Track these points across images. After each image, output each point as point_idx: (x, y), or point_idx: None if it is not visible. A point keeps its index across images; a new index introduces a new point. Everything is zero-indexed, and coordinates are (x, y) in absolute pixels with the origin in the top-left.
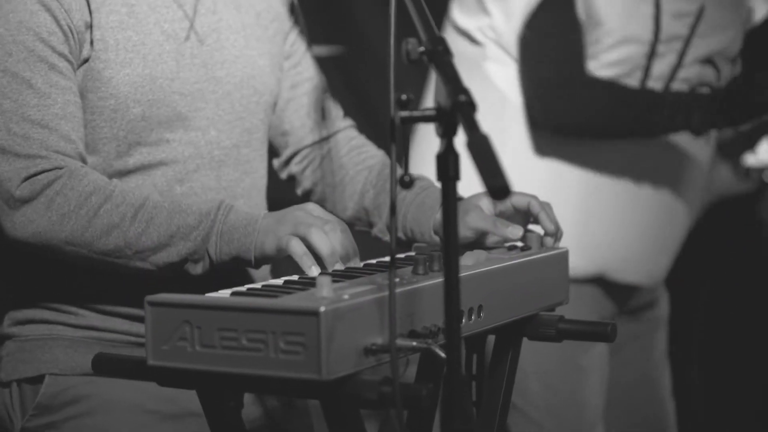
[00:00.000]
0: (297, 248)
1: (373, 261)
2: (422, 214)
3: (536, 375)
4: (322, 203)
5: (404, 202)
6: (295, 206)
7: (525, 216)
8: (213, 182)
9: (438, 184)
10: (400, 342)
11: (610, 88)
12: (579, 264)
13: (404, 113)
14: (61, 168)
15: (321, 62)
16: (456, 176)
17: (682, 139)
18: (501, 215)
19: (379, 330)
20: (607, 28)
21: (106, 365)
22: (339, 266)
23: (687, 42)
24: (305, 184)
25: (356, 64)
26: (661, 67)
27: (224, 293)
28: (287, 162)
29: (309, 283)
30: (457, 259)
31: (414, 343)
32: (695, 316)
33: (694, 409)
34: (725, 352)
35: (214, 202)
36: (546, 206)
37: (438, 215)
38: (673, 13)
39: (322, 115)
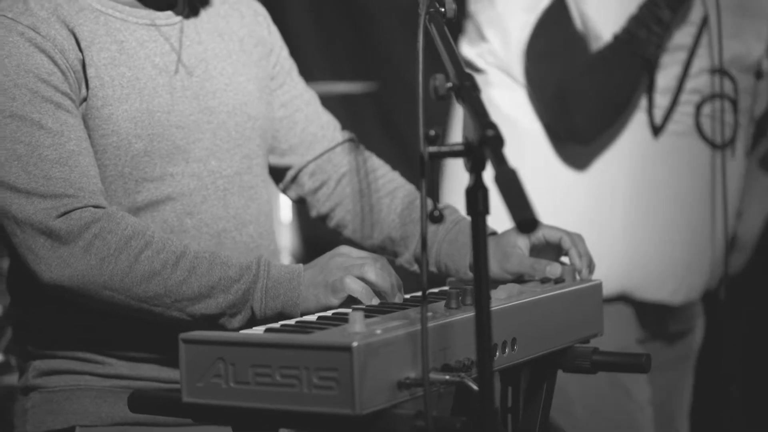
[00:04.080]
0: (356, 285)
1: (407, 296)
2: (457, 251)
3: (581, 400)
4: (341, 229)
5: (436, 237)
6: (331, 253)
7: (557, 249)
8: (221, 211)
9: (467, 216)
10: (434, 376)
11: (592, 58)
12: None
13: (433, 149)
14: (96, 207)
15: (355, 98)
16: (486, 210)
17: (708, 161)
18: (534, 248)
19: (412, 364)
20: (605, 42)
21: (141, 403)
22: (399, 299)
23: (692, 52)
24: (321, 208)
25: (390, 100)
26: (666, 78)
27: (258, 330)
28: (293, 180)
29: (342, 318)
30: (488, 293)
31: (447, 377)
32: (738, 333)
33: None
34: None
35: (252, 256)
36: (577, 240)
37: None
38: (675, 24)
39: (319, 128)
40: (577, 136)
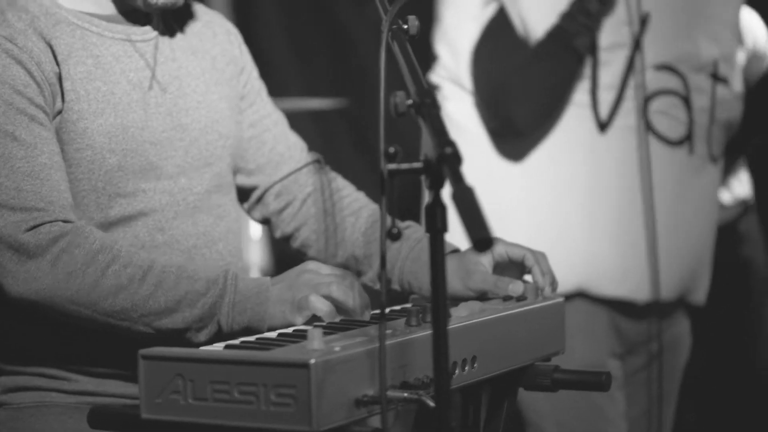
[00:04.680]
0: (320, 305)
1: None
2: (420, 269)
3: (552, 416)
4: (305, 249)
5: (399, 255)
6: (298, 268)
7: (521, 266)
8: (191, 228)
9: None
10: (391, 393)
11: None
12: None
13: (392, 166)
14: (65, 222)
15: (329, 114)
16: (444, 228)
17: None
18: (497, 266)
19: (371, 381)
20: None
21: (101, 419)
22: (366, 317)
23: (634, 49)
24: (285, 228)
25: (363, 116)
26: (609, 75)
27: (218, 346)
28: (259, 200)
29: (302, 335)
30: (445, 311)
31: (405, 395)
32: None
33: None
34: (718, 388)
35: (219, 269)
36: (540, 258)
37: None
38: (613, 23)
39: (287, 149)
40: (514, 129)
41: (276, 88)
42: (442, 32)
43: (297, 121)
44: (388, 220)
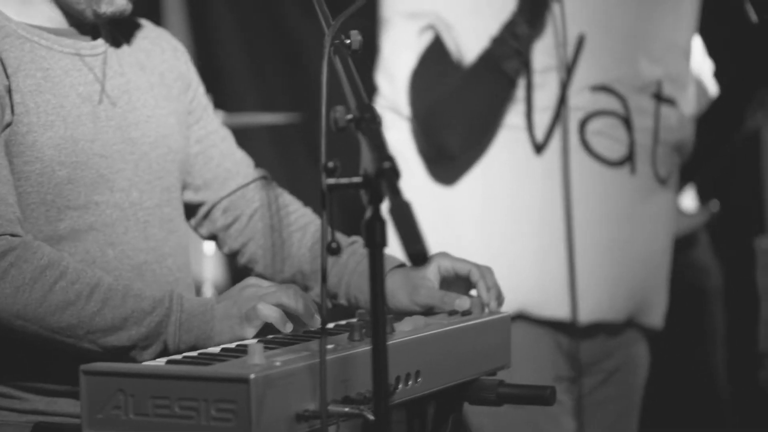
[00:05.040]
0: (269, 311)
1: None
2: (366, 283)
3: None
4: (252, 265)
5: (346, 269)
6: (241, 284)
7: (467, 281)
8: (142, 243)
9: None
10: (332, 408)
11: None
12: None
13: (331, 180)
14: (12, 236)
15: (285, 129)
16: (383, 243)
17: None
18: (444, 281)
19: (312, 396)
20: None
21: None
22: (316, 322)
23: (569, 71)
24: (233, 244)
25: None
26: (544, 97)
27: (159, 361)
28: (206, 216)
29: (244, 350)
30: (384, 326)
31: (346, 409)
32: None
33: None
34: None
35: (165, 290)
36: (486, 273)
37: (387, 283)
38: (546, 45)
39: (234, 165)
40: (446, 152)
41: (232, 103)
42: (381, 62)
43: (253, 136)
44: (329, 234)
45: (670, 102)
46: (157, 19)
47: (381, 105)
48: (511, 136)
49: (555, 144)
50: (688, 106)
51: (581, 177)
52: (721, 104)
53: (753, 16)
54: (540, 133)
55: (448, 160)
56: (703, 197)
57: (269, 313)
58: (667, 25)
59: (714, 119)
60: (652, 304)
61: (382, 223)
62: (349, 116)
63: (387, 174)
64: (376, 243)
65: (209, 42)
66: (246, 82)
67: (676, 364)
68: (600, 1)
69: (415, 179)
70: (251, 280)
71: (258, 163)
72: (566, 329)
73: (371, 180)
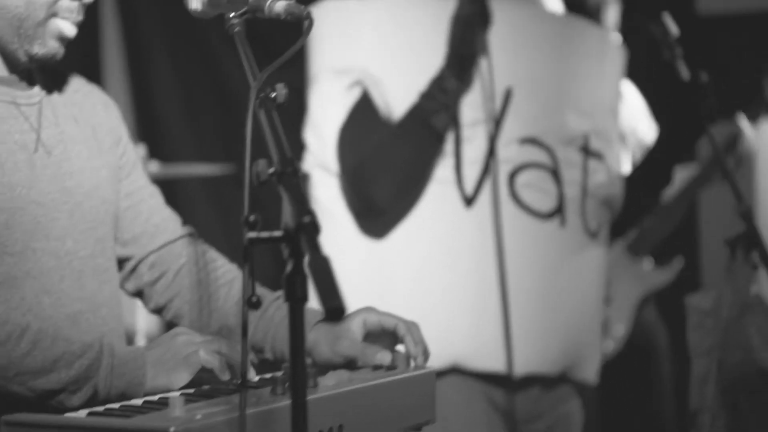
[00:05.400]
0: (211, 357)
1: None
2: None
3: None
4: (178, 320)
5: (272, 322)
6: (171, 333)
7: (393, 335)
8: (77, 292)
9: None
10: None
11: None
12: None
13: (252, 234)
14: None
15: (221, 180)
16: (303, 297)
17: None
18: (370, 334)
19: None
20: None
21: None
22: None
23: (497, 124)
24: (159, 300)
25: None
26: (472, 150)
27: (81, 413)
28: (132, 271)
29: (166, 403)
30: (304, 380)
31: None
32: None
33: None
34: None
35: (94, 335)
36: (413, 327)
37: (311, 335)
38: (473, 99)
39: (162, 220)
40: (376, 207)
41: (169, 153)
42: (309, 120)
43: (189, 186)
44: (250, 288)
45: (598, 156)
46: (96, 69)
47: (309, 161)
48: (440, 189)
49: (485, 197)
50: (616, 161)
51: (512, 229)
52: (650, 161)
53: (684, 73)
54: (469, 186)
55: (378, 215)
56: (659, 256)
57: (211, 359)
58: (593, 80)
59: (644, 175)
60: (586, 357)
61: (302, 278)
62: (271, 170)
63: (307, 228)
64: (296, 297)
65: (147, 92)
66: (182, 132)
67: (623, 422)
68: (527, 56)
69: (345, 234)
70: (180, 329)
71: (193, 213)
72: (501, 382)
73: (291, 234)
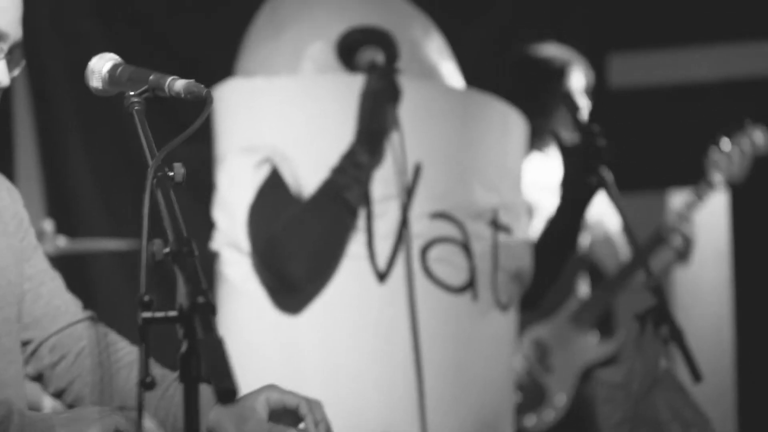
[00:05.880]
0: (127, 423)
1: None
2: None
3: None
4: (78, 403)
5: (173, 401)
6: (77, 408)
7: (296, 415)
8: None
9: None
10: None
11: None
12: None
13: (147, 314)
14: None
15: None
16: (198, 377)
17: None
18: (273, 413)
19: None
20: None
21: None
22: None
23: (407, 199)
24: (59, 383)
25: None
26: (384, 225)
27: None
28: (33, 354)
29: None
30: None
31: None
32: None
33: None
34: None
35: (2, 400)
36: (315, 407)
37: (213, 414)
38: (384, 174)
39: (63, 303)
40: (289, 283)
41: (79, 229)
42: (218, 198)
43: (99, 261)
44: (145, 368)
45: (506, 230)
46: (8, 144)
47: (219, 240)
48: (353, 265)
49: (398, 272)
50: (524, 234)
51: (425, 304)
52: (553, 227)
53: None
54: (382, 262)
55: (292, 291)
56: (604, 329)
57: (126, 423)
58: (497, 153)
59: (548, 243)
60: (501, 430)
61: (197, 358)
62: (167, 249)
63: (201, 309)
64: (190, 377)
65: (57, 167)
66: (92, 207)
67: None
68: (437, 130)
69: (256, 312)
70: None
71: (104, 288)
72: None
73: (186, 315)
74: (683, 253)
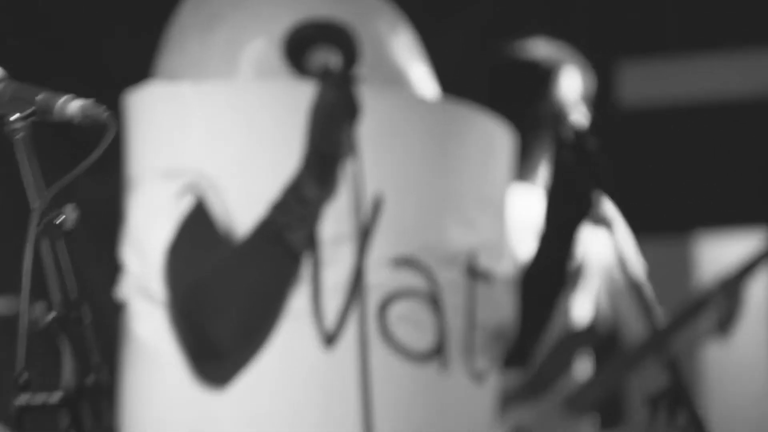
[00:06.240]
0: None
1: None
2: None
3: None
4: None
5: None
6: None
7: None
8: None
9: None
10: None
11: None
12: None
13: (23, 398)
14: None
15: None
16: None
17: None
18: None
19: None
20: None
21: None
22: None
23: (365, 239)
24: None
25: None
26: (335, 275)
27: None
28: None
29: None
30: None
31: None
32: None
33: None
34: None
35: None
36: None
37: None
38: (337, 211)
39: None
40: (213, 346)
41: None
42: (128, 234)
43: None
44: None
45: (486, 277)
46: None
47: (128, 286)
48: (295, 325)
49: (350, 334)
50: (506, 280)
51: (383, 375)
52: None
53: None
54: (331, 321)
55: (217, 356)
56: (606, 417)
57: None
58: (478, 180)
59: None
60: None
61: None
62: (51, 315)
63: (92, 392)
64: None
65: None
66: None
67: None
68: (403, 152)
69: (172, 381)
70: None
71: None
72: None
73: (71, 399)
74: (725, 324)
